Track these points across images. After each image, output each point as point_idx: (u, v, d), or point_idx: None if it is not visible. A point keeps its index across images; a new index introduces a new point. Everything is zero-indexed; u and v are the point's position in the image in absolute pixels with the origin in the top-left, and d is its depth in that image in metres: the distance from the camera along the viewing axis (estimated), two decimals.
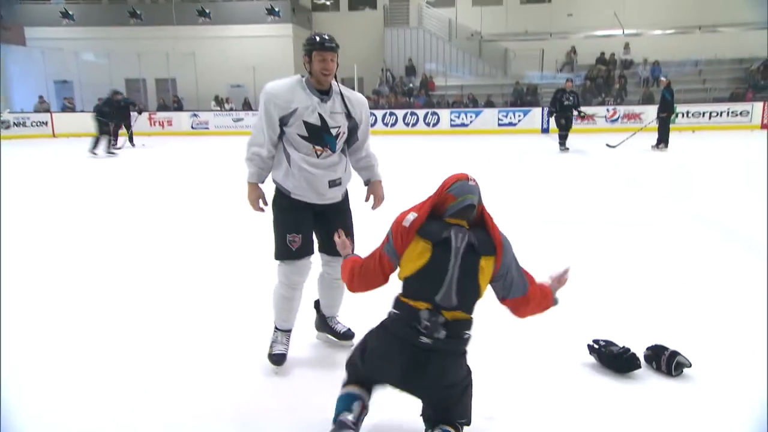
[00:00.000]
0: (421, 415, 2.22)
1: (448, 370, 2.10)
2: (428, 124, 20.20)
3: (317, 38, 2.72)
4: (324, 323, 3.20)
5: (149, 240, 5.79)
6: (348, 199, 3.02)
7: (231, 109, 21.86)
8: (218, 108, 22.15)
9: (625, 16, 20.10)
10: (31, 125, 19.86)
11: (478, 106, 20.76)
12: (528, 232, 5.84)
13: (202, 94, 22.56)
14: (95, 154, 13.29)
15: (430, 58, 23.73)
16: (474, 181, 2.18)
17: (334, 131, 2.78)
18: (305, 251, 2.86)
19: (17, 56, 22.81)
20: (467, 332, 2.17)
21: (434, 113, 20.33)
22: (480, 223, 2.17)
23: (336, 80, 2.84)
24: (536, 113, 19.39)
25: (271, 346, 2.94)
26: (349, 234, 2.92)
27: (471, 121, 19.97)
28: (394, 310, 2.16)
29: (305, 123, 2.72)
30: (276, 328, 2.97)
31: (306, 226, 2.86)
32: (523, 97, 21.14)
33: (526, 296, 2.24)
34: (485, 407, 2.53)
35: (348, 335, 3.13)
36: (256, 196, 2.90)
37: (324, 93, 2.77)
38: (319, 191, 2.80)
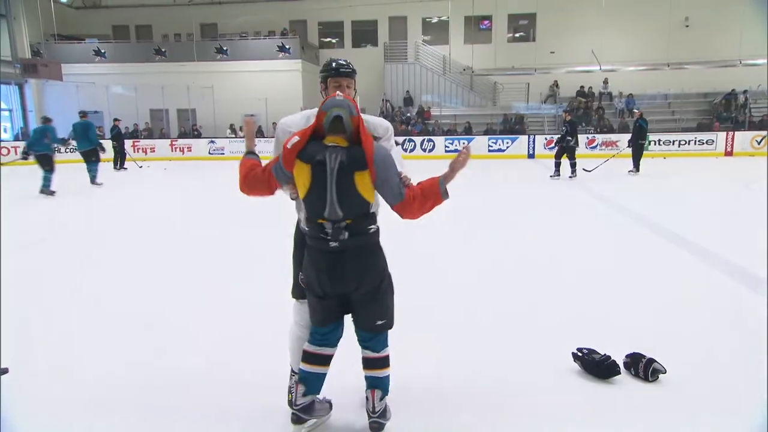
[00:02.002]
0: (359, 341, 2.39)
1: (363, 264, 2.25)
2: (425, 150, 20.32)
3: (333, 64, 2.45)
4: None
5: (154, 257, 5.81)
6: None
7: (244, 137, 21.94)
8: (233, 135, 22.31)
9: (602, 54, 20.35)
10: (65, 152, 19.96)
11: (471, 133, 20.93)
12: (511, 247, 5.89)
13: (219, 123, 22.73)
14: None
15: (426, 90, 24.02)
16: (344, 94, 2.26)
17: None
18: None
19: (55, 90, 23.16)
20: (371, 226, 2.27)
21: (430, 140, 20.47)
22: (357, 140, 2.18)
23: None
24: (523, 140, 19.52)
25: (289, 392, 2.57)
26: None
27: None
28: (305, 228, 2.29)
29: None
30: (292, 371, 2.59)
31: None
32: (511, 126, 21.36)
33: (404, 201, 2.25)
34: (474, 409, 2.57)
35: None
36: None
37: None
38: None
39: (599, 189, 10.77)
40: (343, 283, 2.24)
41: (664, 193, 10.46)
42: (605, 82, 22.87)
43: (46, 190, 10.21)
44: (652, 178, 12.35)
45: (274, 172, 2.25)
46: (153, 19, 25.99)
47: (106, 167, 13.98)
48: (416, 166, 14.75)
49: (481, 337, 3.48)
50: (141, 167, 16.20)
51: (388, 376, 2.37)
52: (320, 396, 2.43)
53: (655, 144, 17.77)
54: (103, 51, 23.76)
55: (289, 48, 23.05)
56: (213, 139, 21.46)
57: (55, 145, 10.70)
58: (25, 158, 10.71)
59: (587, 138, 19.23)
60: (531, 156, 19.08)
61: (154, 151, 20.26)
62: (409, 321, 2.91)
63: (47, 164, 10.32)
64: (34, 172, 10.64)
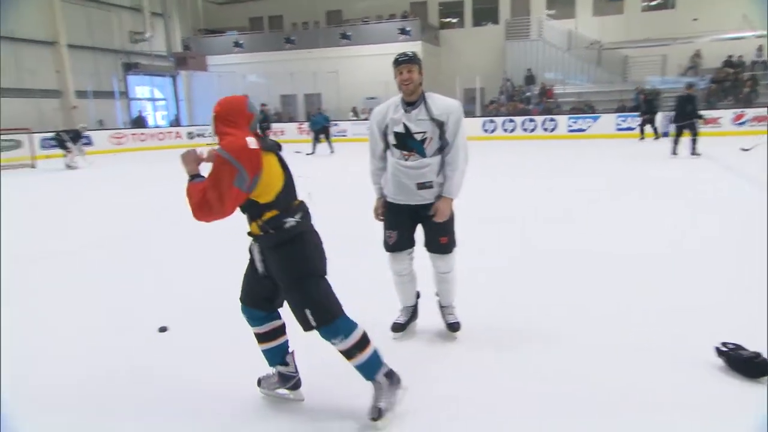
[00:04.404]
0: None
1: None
2: (546, 130, 19.36)
3: (396, 56, 2.83)
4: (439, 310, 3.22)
5: None
6: None
7: (366, 119, 22.51)
8: (355, 118, 22.92)
9: (757, 18, 17.81)
10: (208, 136, 21.94)
11: (596, 111, 19.51)
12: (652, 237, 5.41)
13: (344, 106, 23.47)
14: None
15: (548, 67, 22.71)
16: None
17: (418, 136, 2.80)
18: (399, 246, 2.97)
19: (201, 80, 25.52)
20: None
21: (552, 119, 19.45)
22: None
23: (421, 91, 2.83)
24: (656, 118, 17.81)
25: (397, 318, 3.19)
26: (447, 233, 2.95)
27: (589, 126, 18.83)
28: (294, 219, 2.21)
29: (394, 132, 2.84)
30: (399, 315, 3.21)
31: (401, 224, 2.95)
32: (653, 103, 19.44)
33: None
34: (614, 407, 2.39)
35: (454, 327, 3.13)
36: (375, 206, 3.08)
37: (411, 103, 2.81)
38: (408, 192, 2.86)
39: (737, 165, 9.50)
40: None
41: None
42: (759, 49, 19.93)
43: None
44: None
45: (241, 188, 2.06)
46: (284, 10, 27.33)
47: None
48: (538, 146, 14.19)
49: (612, 327, 3.24)
50: None
51: (361, 365, 2.28)
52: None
53: None
54: (240, 42, 25.57)
55: (410, 30, 23.04)
56: (336, 122, 22.25)
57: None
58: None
59: (733, 114, 17.07)
60: (665, 134, 17.36)
61: (284, 133, 21.44)
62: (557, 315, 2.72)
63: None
64: None
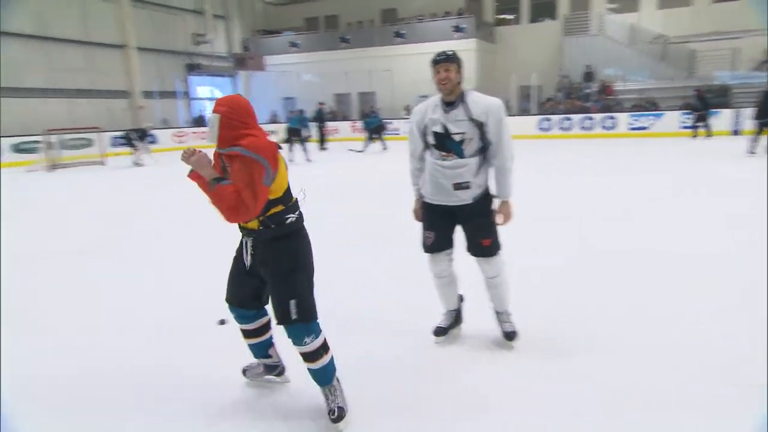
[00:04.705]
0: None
1: None
2: (605, 128, 18.69)
3: (434, 55, 2.75)
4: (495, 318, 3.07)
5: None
6: (486, 201, 2.84)
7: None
8: (408, 116, 22.89)
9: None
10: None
11: (659, 109, 18.65)
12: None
13: (397, 105, 23.52)
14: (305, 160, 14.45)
15: (608, 63, 21.87)
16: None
17: (457, 137, 2.74)
18: (437, 247, 2.91)
19: (259, 80, 26.33)
20: None
21: (611, 117, 18.75)
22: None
23: (461, 90, 2.76)
24: (726, 115, 16.86)
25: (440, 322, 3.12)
26: (489, 235, 2.83)
27: (651, 124, 18.03)
28: (294, 215, 2.26)
29: (433, 133, 2.79)
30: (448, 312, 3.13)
31: (439, 225, 2.88)
32: (708, 100, 18.44)
33: None
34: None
35: (510, 336, 2.97)
36: (414, 208, 3.04)
37: (450, 103, 2.75)
38: (445, 193, 2.80)
39: None
40: None
41: None
42: None
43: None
44: None
45: (268, 185, 2.12)
46: (339, 9, 27.67)
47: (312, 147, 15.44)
48: (596, 145, 13.68)
49: (671, 328, 3.10)
50: (326, 149, 17.50)
51: (324, 366, 2.30)
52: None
53: None
54: (297, 42, 26.09)
55: (465, 27, 22.80)
56: (390, 120, 22.31)
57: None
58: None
59: None
60: (735, 132, 16.41)
61: (338, 132, 21.70)
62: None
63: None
64: None
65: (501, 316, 3.03)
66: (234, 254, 2.41)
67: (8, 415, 2.38)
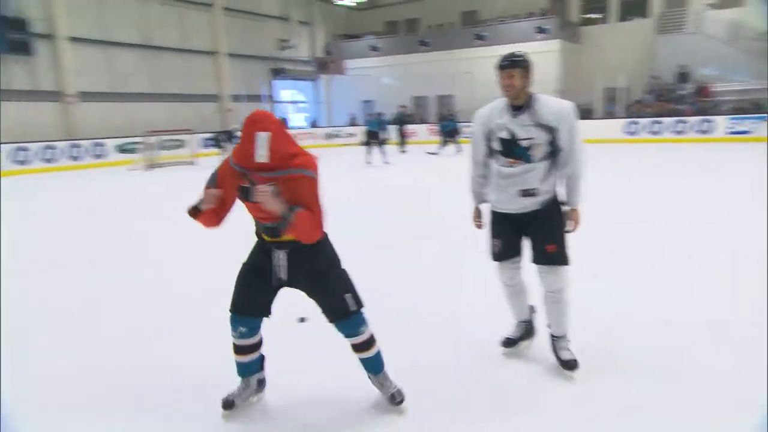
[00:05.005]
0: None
1: None
2: (700, 132, 17.44)
3: (499, 59, 2.64)
4: (551, 344, 2.84)
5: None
6: (553, 207, 2.72)
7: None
8: None
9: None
10: (344, 136, 23.03)
11: (763, 111, 17.13)
12: None
13: (476, 108, 23.03)
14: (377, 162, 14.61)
15: (706, 62, 20.37)
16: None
17: (524, 143, 2.62)
18: (504, 255, 2.81)
19: (339, 83, 26.99)
20: None
21: (707, 120, 17.46)
22: None
23: (528, 94, 2.64)
24: None
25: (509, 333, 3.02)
26: (554, 241, 2.68)
27: (754, 128, 16.59)
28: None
29: (499, 139, 2.69)
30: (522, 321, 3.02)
31: (505, 233, 2.79)
32: None
33: None
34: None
35: (569, 364, 2.70)
36: (473, 215, 2.98)
37: (517, 108, 2.64)
38: (511, 200, 2.71)
39: None
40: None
41: None
42: None
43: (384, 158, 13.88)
44: None
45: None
46: (420, 12, 27.75)
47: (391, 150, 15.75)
48: (690, 150, 12.77)
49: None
50: (405, 151, 17.62)
51: (377, 354, 2.39)
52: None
53: None
54: (377, 46, 26.47)
55: (548, 28, 22.12)
56: (469, 123, 22.06)
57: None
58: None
59: None
60: None
61: (416, 134, 21.76)
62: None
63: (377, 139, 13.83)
64: None
65: (559, 341, 2.79)
66: (246, 265, 2.38)
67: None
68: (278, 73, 25.39)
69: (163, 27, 20.55)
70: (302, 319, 3.04)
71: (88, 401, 2.60)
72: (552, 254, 2.68)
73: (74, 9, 17.59)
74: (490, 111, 2.75)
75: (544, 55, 22.29)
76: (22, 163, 14.60)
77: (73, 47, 17.60)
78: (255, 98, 24.22)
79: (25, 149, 14.73)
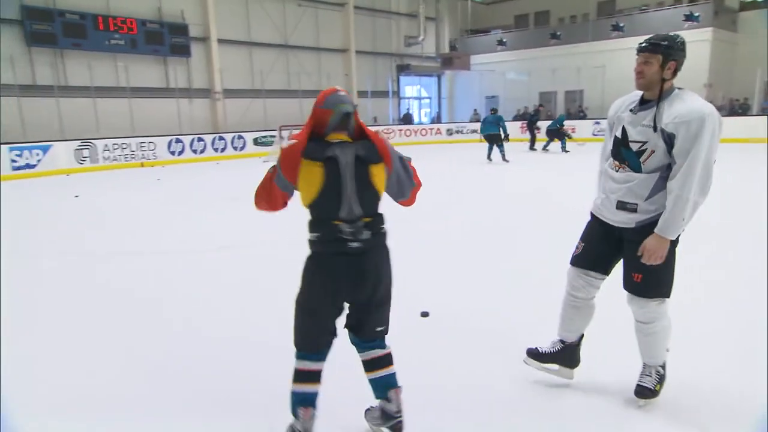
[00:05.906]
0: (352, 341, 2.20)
1: (382, 266, 2.08)
2: None
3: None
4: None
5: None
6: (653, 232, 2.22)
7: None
8: None
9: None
10: (466, 132, 22.77)
11: None
12: None
13: (606, 103, 21.65)
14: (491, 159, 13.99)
15: None
16: (344, 90, 2.10)
17: (634, 146, 2.23)
18: (581, 262, 2.46)
19: (463, 79, 26.75)
20: (383, 226, 2.09)
21: None
22: (362, 135, 2.05)
23: (666, 87, 2.20)
24: None
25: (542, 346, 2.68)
26: (643, 270, 2.24)
27: None
28: (315, 233, 2.02)
29: (615, 136, 2.34)
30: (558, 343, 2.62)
31: (594, 240, 2.44)
32: None
33: (416, 187, 2.18)
34: None
35: (641, 392, 2.40)
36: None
37: (645, 102, 2.25)
38: (607, 208, 2.35)
39: None
40: (363, 289, 2.04)
41: None
42: None
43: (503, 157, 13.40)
44: None
45: (279, 186, 2.06)
46: (551, 4, 26.48)
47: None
48: None
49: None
50: (535, 149, 17.09)
51: (393, 371, 2.22)
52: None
53: None
54: (504, 40, 25.76)
55: (698, 15, 19.94)
56: (598, 120, 20.69)
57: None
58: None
59: None
60: None
61: (539, 132, 20.86)
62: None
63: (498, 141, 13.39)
64: None
65: (645, 368, 2.47)
66: (306, 297, 2.09)
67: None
68: (404, 69, 25.76)
69: (298, 27, 21.81)
70: (425, 314, 3.00)
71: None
72: (637, 284, 2.30)
73: (225, 13, 19.38)
74: (622, 101, 2.40)
75: (694, 45, 20.00)
76: (175, 153, 16.44)
77: (221, 48, 19.41)
78: (381, 94, 24.83)
79: (180, 141, 16.61)
